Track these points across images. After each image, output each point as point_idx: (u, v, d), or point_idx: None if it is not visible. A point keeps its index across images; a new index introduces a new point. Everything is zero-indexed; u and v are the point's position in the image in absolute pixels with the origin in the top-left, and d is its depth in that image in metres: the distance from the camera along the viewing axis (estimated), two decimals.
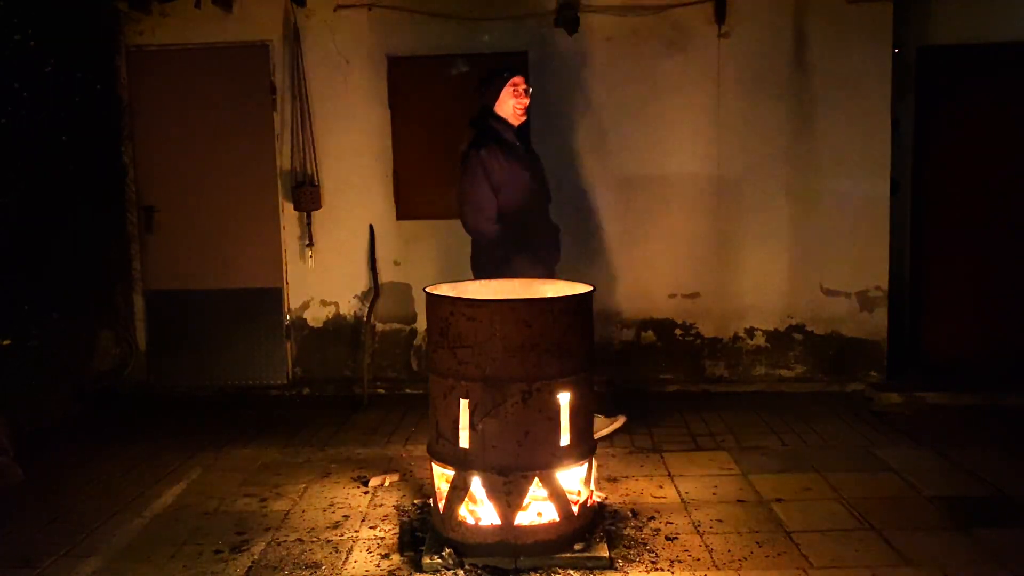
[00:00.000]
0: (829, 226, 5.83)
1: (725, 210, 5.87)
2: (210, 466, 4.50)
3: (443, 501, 3.32)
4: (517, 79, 4.34)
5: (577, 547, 3.25)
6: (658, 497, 3.92)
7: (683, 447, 4.66)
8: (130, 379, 6.09)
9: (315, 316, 6.13)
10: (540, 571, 3.16)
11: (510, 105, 4.32)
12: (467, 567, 3.17)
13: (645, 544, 3.41)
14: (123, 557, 3.42)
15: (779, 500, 3.84)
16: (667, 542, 3.43)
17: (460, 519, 3.28)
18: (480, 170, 4.21)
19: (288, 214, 6.04)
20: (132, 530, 3.67)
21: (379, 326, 6.11)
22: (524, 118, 4.39)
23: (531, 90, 4.38)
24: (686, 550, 3.35)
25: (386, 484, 4.16)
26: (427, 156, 5.96)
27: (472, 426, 3.19)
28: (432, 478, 3.45)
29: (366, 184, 6.01)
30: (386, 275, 6.06)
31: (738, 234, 5.88)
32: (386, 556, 3.36)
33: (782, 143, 5.80)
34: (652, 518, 3.67)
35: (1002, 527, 3.52)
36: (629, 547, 3.38)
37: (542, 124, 5.85)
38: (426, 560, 3.20)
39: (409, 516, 3.75)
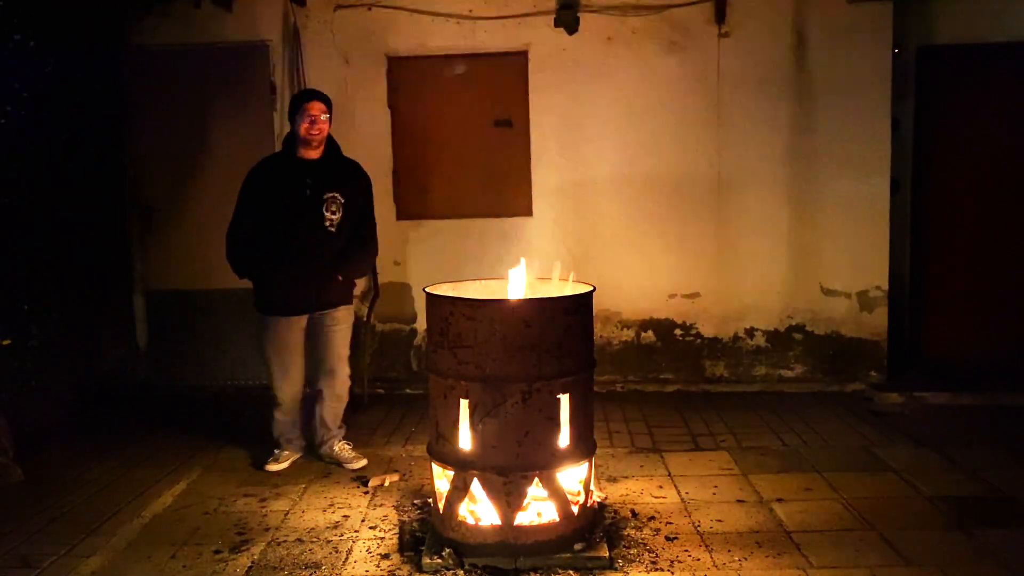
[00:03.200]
0: (829, 226, 5.83)
1: (725, 210, 5.87)
2: (210, 466, 4.50)
3: (443, 501, 3.32)
4: (309, 104, 4.22)
5: (577, 547, 3.25)
6: (658, 497, 3.92)
7: (683, 447, 4.67)
8: (130, 379, 6.09)
9: None
10: (540, 571, 3.16)
11: (303, 130, 4.23)
12: (467, 567, 3.17)
13: (645, 544, 3.41)
14: (123, 557, 3.42)
15: (779, 500, 3.85)
16: (667, 542, 3.43)
17: (460, 519, 3.27)
18: (244, 184, 4.38)
19: None
20: (132, 530, 3.67)
21: (379, 326, 6.11)
22: (315, 144, 4.26)
23: (326, 117, 4.25)
24: (686, 550, 3.35)
25: (386, 484, 4.16)
26: (427, 156, 5.96)
27: (472, 426, 3.19)
28: (432, 478, 3.45)
29: None
30: (386, 275, 6.06)
31: (738, 234, 5.88)
32: (386, 556, 3.36)
33: (782, 143, 5.80)
34: (652, 518, 3.67)
35: (1002, 527, 3.52)
36: (629, 547, 3.38)
37: (542, 124, 5.86)
38: (426, 560, 3.20)
39: (409, 516, 3.75)
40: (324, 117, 4.24)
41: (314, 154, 4.30)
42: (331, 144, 4.38)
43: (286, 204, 4.24)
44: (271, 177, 4.30)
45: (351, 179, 4.38)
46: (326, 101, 4.28)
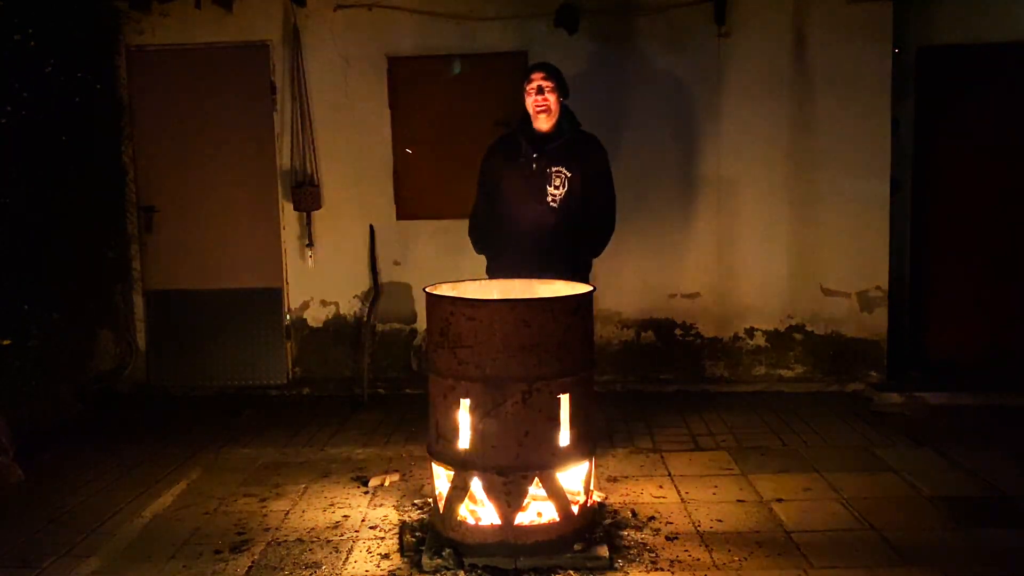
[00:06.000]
0: (829, 226, 5.83)
1: (725, 210, 5.87)
2: (210, 466, 4.50)
3: (443, 501, 3.32)
4: (533, 75, 4.13)
5: (577, 547, 3.25)
6: (658, 497, 3.92)
7: (683, 447, 4.66)
8: (130, 379, 6.10)
9: (315, 316, 6.13)
10: (540, 571, 3.15)
11: (529, 104, 4.16)
12: (467, 567, 3.17)
13: (645, 544, 3.40)
14: (123, 557, 3.42)
15: (779, 500, 3.84)
16: (667, 542, 3.43)
17: (460, 519, 3.28)
18: (480, 165, 4.37)
19: (288, 214, 6.04)
20: (132, 530, 3.67)
21: (379, 326, 6.11)
22: (543, 116, 4.12)
23: (550, 87, 4.09)
24: (686, 550, 3.35)
25: (386, 484, 4.15)
26: (427, 156, 5.96)
27: (472, 426, 3.19)
28: (432, 478, 3.45)
29: (366, 184, 6.01)
30: (386, 275, 6.06)
31: (738, 234, 5.88)
32: (386, 556, 3.36)
33: (782, 143, 5.80)
34: (652, 518, 3.67)
35: (1002, 527, 3.52)
36: (629, 547, 3.38)
37: None
38: (426, 560, 3.20)
39: (409, 516, 3.74)
40: (549, 87, 4.11)
41: (545, 127, 4.15)
42: (567, 118, 4.22)
43: (513, 179, 4.18)
44: (502, 153, 4.25)
45: (583, 154, 4.19)
46: (549, 70, 4.16)
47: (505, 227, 4.21)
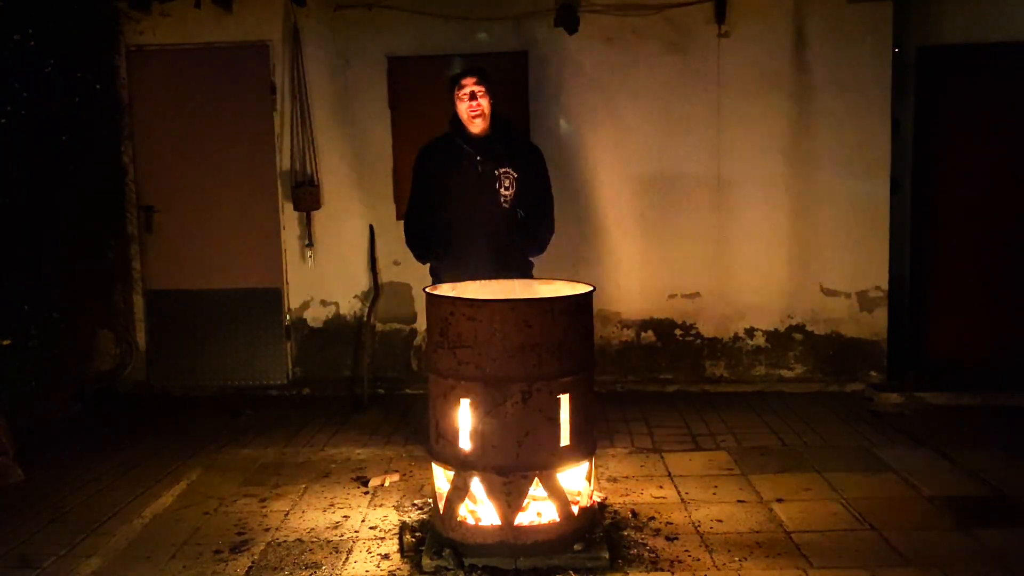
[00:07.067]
0: (829, 226, 5.83)
1: (725, 210, 5.87)
2: (210, 466, 4.50)
3: (443, 501, 3.32)
4: (464, 80, 4.11)
5: (577, 547, 3.25)
6: (658, 497, 3.92)
7: (683, 447, 4.66)
8: (130, 379, 6.10)
9: (315, 316, 6.13)
10: (540, 571, 3.15)
11: (463, 109, 4.15)
12: (467, 567, 3.17)
13: (645, 544, 3.40)
14: (123, 557, 3.42)
15: (779, 500, 3.84)
16: (667, 542, 3.43)
17: (460, 519, 3.27)
18: (414, 169, 4.34)
19: (288, 214, 6.04)
20: (132, 530, 3.67)
21: (379, 326, 6.11)
22: (477, 121, 4.12)
23: (482, 91, 4.09)
24: (686, 550, 3.35)
25: (386, 484, 4.16)
26: None
27: (472, 426, 3.19)
28: (432, 478, 3.45)
29: (366, 184, 6.01)
30: (386, 275, 6.06)
31: (738, 234, 5.88)
32: (386, 556, 3.36)
33: (782, 143, 5.80)
34: (652, 518, 3.67)
35: (1002, 527, 3.52)
36: (629, 547, 3.38)
37: (542, 124, 5.86)
38: (426, 560, 3.20)
39: (409, 516, 3.75)
40: (481, 91, 4.09)
41: (479, 131, 4.15)
42: (499, 120, 4.23)
43: (458, 182, 4.14)
44: (441, 157, 4.22)
45: (522, 155, 4.25)
46: (481, 75, 4.13)
47: (456, 230, 4.18)
